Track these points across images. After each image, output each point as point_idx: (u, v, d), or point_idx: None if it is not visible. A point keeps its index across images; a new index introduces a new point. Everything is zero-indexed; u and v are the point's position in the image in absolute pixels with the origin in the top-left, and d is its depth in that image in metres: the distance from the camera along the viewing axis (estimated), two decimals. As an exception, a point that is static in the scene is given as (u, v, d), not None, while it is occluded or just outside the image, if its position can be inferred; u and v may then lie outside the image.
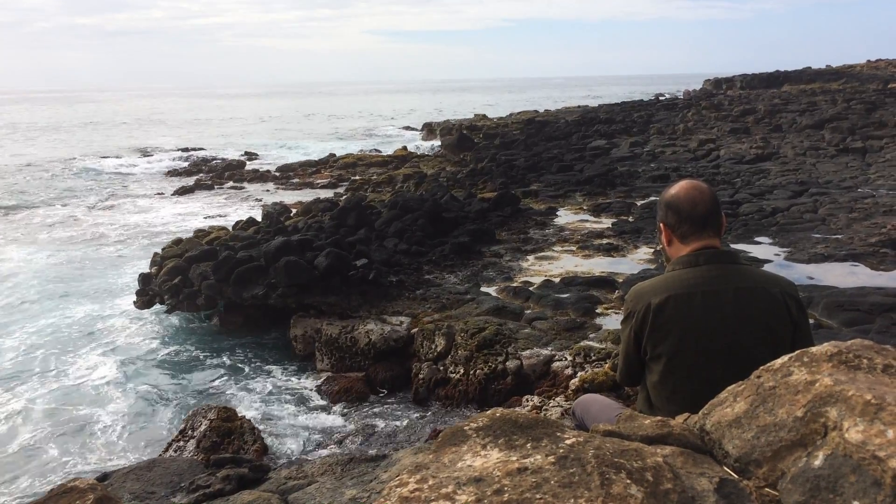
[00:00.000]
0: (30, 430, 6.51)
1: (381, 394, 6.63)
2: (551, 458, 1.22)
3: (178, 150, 33.99)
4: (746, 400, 1.38)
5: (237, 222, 12.48)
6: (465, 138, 24.69)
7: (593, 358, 5.78)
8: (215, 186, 21.92)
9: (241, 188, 21.60)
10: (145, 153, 33.00)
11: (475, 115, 40.67)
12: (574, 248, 9.60)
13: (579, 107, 43.46)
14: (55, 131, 51.24)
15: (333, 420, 6.24)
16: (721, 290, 2.12)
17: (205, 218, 16.39)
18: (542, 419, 1.42)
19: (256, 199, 18.88)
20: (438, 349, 6.52)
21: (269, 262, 8.14)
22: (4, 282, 11.58)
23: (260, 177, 23.33)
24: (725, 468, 1.29)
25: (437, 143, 29.17)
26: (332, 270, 7.82)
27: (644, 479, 1.15)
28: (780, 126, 21.82)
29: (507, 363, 6.03)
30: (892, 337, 5.66)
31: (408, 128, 46.89)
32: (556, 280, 7.99)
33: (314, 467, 2.99)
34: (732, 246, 8.92)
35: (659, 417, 1.48)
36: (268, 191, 20.69)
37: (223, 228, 11.84)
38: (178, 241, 10.52)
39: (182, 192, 20.98)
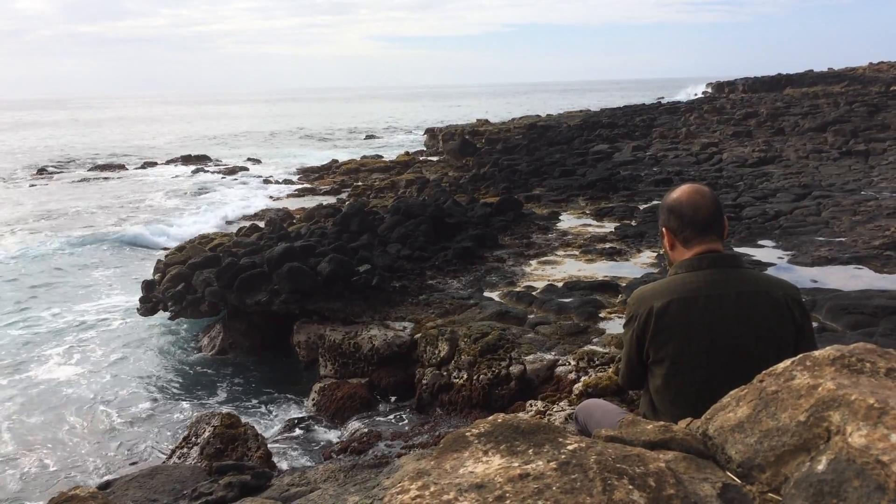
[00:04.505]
0: (26, 433, 6.51)
1: (384, 399, 6.62)
2: (553, 464, 1.21)
3: (181, 157, 34.06)
4: (749, 404, 1.37)
5: (240, 228, 12.50)
6: (467, 143, 24.70)
7: (597, 362, 5.76)
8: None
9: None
10: (149, 162, 33.02)
11: (477, 119, 40.71)
12: (577, 253, 9.59)
13: (581, 111, 43.48)
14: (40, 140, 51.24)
15: (336, 426, 6.23)
16: (724, 293, 2.12)
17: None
18: (543, 424, 1.41)
19: (259, 206, 18.90)
20: (442, 354, 6.51)
21: (272, 268, 8.15)
22: None
23: (263, 183, 23.38)
24: (728, 473, 1.28)
25: (439, 147, 29.20)
26: (336, 276, 7.83)
27: (646, 485, 1.14)
28: (783, 129, 21.80)
29: (511, 368, 6.01)
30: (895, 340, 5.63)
31: (410, 133, 46.97)
32: (559, 284, 7.98)
33: (317, 474, 2.98)
34: (735, 249, 8.89)
35: (661, 422, 1.48)
36: (271, 197, 20.72)
37: (226, 235, 11.86)
38: (181, 248, 10.53)
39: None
